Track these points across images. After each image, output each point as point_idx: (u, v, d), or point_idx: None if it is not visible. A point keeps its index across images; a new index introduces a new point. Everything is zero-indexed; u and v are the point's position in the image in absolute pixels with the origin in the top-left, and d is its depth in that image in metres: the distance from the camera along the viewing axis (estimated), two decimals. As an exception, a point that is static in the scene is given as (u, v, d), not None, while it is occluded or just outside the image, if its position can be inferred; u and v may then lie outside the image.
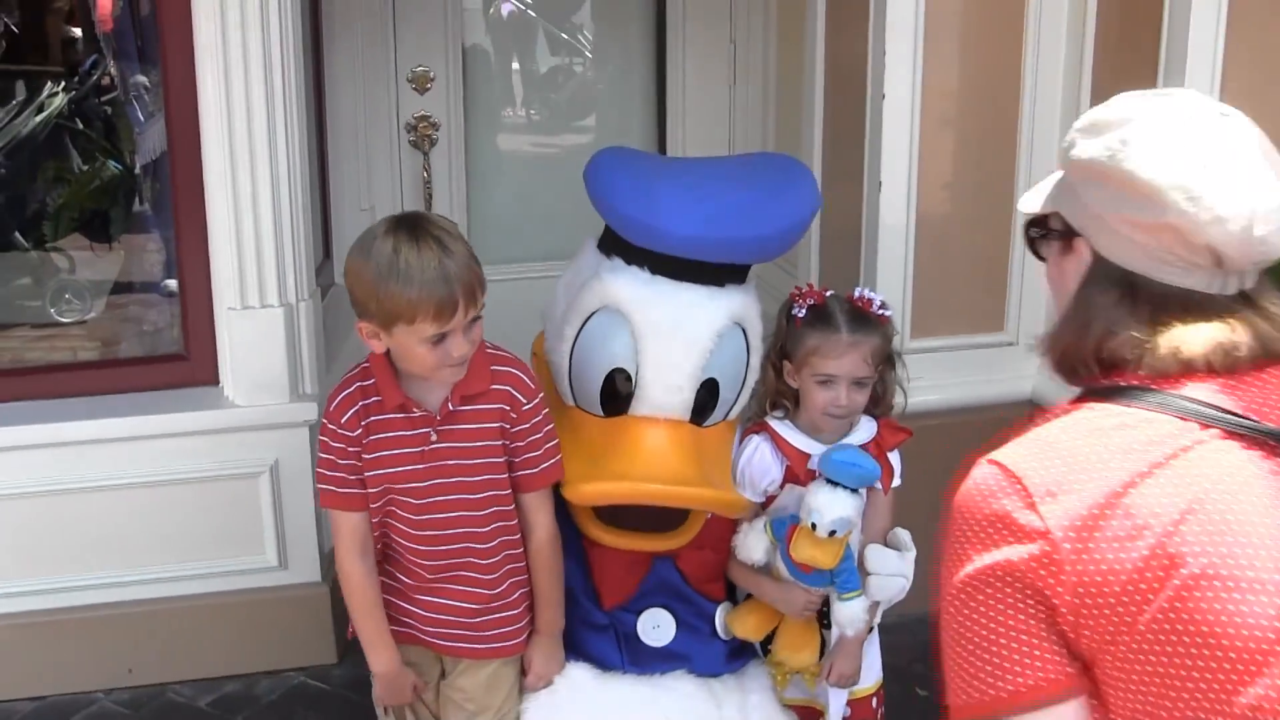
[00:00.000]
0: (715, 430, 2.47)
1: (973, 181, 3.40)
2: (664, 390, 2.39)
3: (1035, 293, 3.36)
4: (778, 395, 2.47)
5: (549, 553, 2.39)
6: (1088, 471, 1.13)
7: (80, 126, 3.91)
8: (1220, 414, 1.15)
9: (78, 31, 4.01)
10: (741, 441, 2.50)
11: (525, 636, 2.42)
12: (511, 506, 2.34)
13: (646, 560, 2.48)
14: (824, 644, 2.45)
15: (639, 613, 2.48)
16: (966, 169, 3.41)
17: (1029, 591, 1.13)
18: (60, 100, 3.87)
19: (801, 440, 2.44)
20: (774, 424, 2.47)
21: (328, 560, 3.09)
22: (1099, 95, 3.26)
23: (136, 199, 3.88)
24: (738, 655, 2.53)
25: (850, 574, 2.34)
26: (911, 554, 2.38)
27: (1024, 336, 3.41)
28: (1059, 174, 1.35)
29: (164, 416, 3.16)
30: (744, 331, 2.46)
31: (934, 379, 3.22)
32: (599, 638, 2.48)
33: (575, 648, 2.47)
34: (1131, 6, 3.24)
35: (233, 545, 3.23)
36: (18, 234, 3.88)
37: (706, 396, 2.43)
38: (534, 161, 4.68)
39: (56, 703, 3.19)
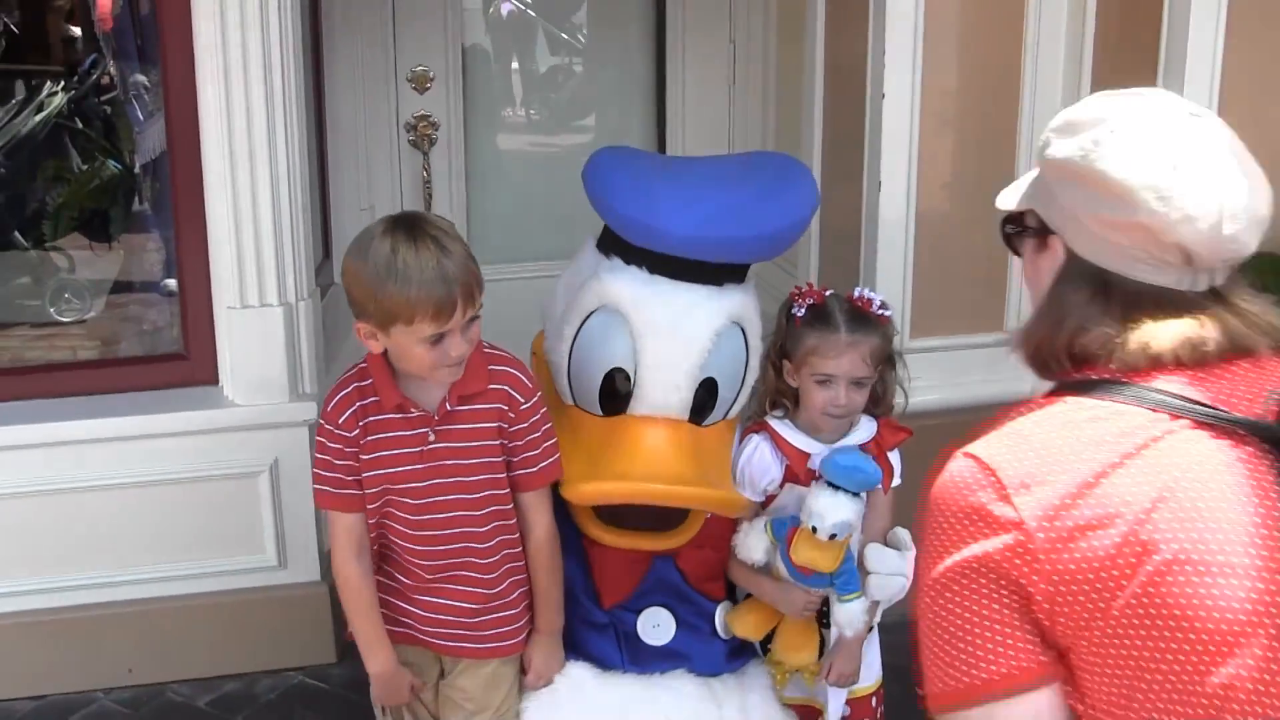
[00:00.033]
0: (714, 430, 2.47)
1: (972, 181, 3.40)
2: (663, 390, 2.39)
3: (1034, 293, 3.36)
4: (777, 394, 2.47)
5: (548, 552, 2.38)
6: (1060, 463, 1.16)
7: (80, 126, 3.91)
8: (1189, 405, 1.17)
9: (77, 31, 4.01)
10: (741, 441, 2.50)
11: (525, 636, 2.42)
12: (510, 506, 2.34)
13: (646, 559, 2.48)
14: (823, 643, 2.45)
15: (639, 612, 2.48)
16: (966, 168, 3.41)
17: (1003, 582, 1.15)
18: (60, 99, 3.87)
19: (801, 440, 2.44)
20: (774, 423, 2.47)
21: (327, 560, 3.08)
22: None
23: (136, 198, 3.88)
24: (738, 654, 2.53)
25: (850, 575, 2.34)
26: (911, 553, 2.38)
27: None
28: (1035, 171, 1.38)
29: (163, 416, 3.16)
30: (743, 331, 2.45)
31: (934, 379, 3.22)
32: (599, 637, 2.48)
33: (575, 647, 2.47)
34: (1131, 6, 3.24)
35: (232, 545, 3.23)
36: (17, 233, 3.88)
37: (705, 396, 2.43)
38: (534, 161, 4.69)
39: (56, 702, 3.19)
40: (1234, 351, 1.22)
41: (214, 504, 3.19)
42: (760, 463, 2.45)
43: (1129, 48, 3.23)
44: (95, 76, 3.93)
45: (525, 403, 2.29)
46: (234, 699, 3.21)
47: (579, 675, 2.46)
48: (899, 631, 2.65)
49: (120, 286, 3.85)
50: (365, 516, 2.29)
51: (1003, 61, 3.36)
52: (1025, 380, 1.37)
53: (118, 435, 3.12)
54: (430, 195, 4.32)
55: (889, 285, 3.27)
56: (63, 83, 3.89)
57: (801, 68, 3.78)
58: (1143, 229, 1.21)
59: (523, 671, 2.45)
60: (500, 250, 4.28)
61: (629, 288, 2.39)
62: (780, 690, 2.51)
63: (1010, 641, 1.15)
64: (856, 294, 2.45)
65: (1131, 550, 1.10)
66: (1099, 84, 3.27)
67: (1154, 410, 1.17)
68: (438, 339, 2.10)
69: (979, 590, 1.16)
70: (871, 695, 2.54)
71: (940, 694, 1.18)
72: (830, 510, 2.26)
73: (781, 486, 2.44)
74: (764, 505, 2.47)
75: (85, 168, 3.92)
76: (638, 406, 2.41)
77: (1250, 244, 1.24)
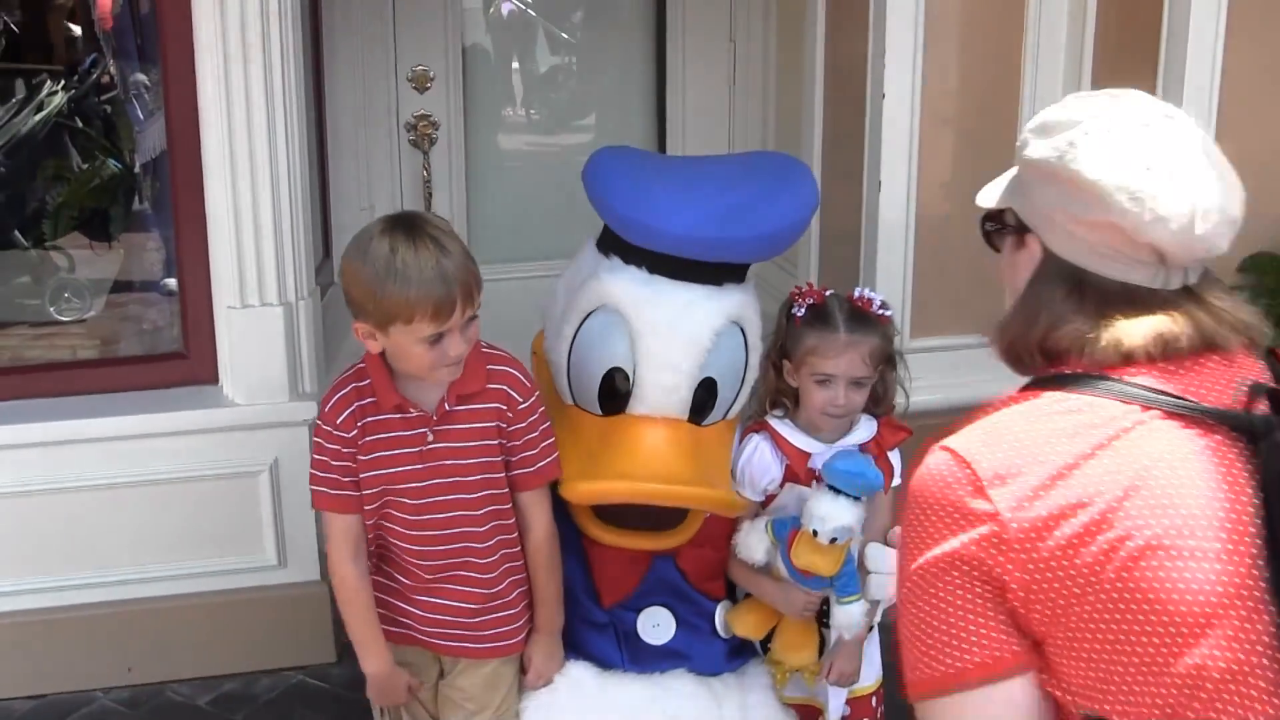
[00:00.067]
0: (714, 429, 2.47)
1: (972, 181, 3.35)
2: (662, 389, 2.39)
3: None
4: (778, 394, 2.48)
5: (547, 551, 2.38)
6: (1034, 455, 1.18)
7: (80, 125, 3.91)
8: (1159, 396, 1.20)
9: (77, 30, 4.01)
10: (741, 440, 2.50)
11: (524, 636, 2.42)
12: (509, 505, 2.34)
13: (646, 559, 2.48)
14: (823, 642, 2.45)
15: (639, 611, 2.48)
16: (966, 169, 3.41)
17: (978, 574, 1.18)
18: (60, 99, 3.87)
19: (801, 439, 2.44)
20: (774, 423, 2.47)
21: (326, 560, 3.09)
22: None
23: (136, 197, 3.88)
24: (738, 654, 2.53)
25: (850, 578, 2.34)
26: (911, 553, 2.37)
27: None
28: (1014, 170, 1.41)
29: (163, 415, 3.15)
30: (743, 331, 2.45)
31: (934, 379, 3.21)
32: (599, 636, 2.48)
33: (575, 646, 2.47)
34: (1131, 6, 3.24)
35: (232, 544, 3.23)
36: (17, 232, 3.89)
37: (705, 396, 2.43)
38: (534, 161, 4.69)
39: (56, 701, 3.18)
40: (1205, 347, 1.24)
41: (214, 503, 3.19)
42: (760, 462, 2.45)
43: (1129, 48, 3.23)
44: (95, 75, 3.93)
45: (523, 402, 2.29)
46: (233, 698, 3.21)
47: (579, 675, 2.46)
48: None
49: (120, 286, 3.85)
50: (362, 517, 2.28)
51: (1003, 62, 3.36)
52: (1025, 380, 1.38)
53: (117, 434, 3.12)
54: (430, 195, 4.32)
55: (889, 285, 3.27)
56: (63, 82, 3.89)
57: (801, 68, 3.78)
58: (1116, 228, 1.24)
59: (522, 671, 2.45)
60: (500, 250, 4.28)
61: (628, 287, 2.39)
62: (780, 690, 2.51)
63: (984, 632, 1.17)
64: (857, 294, 2.45)
65: (1105, 537, 1.13)
66: (1099, 84, 3.27)
67: (1125, 402, 1.20)
68: (437, 339, 2.10)
69: (954, 582, 1.19)
70: (872, 695, 2.54)
71: (917, 682, 1.21)
72: (832, 514, 2.26)
73: (782, 486, 2.44)
74: (764, 505, 2.47)
75: (85, 167, 3.92)
76: (637, 406, 2.41)
77: (1222, 244, 1.26)
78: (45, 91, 3.87)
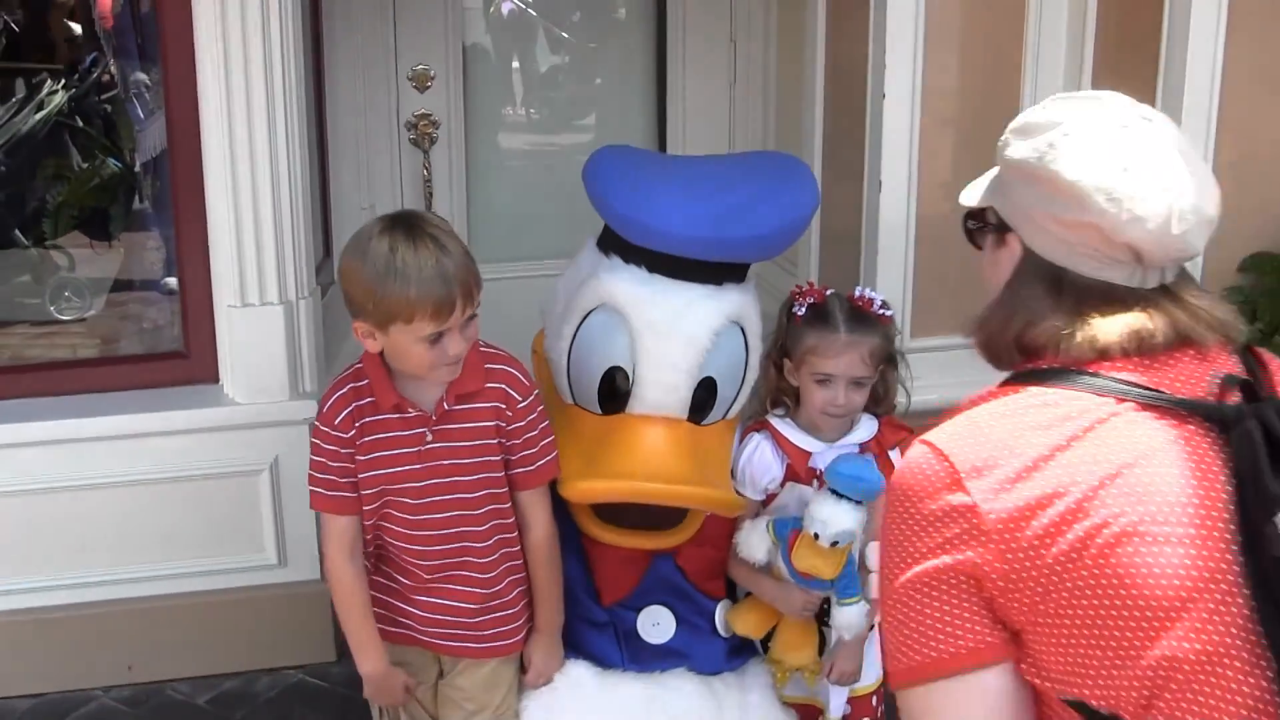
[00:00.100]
0: (714, 429, 2.47)
1: (973, 181, 3.39)
2: (661, 389, 2.39)
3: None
4: (778, 393, 2.48)
5: (547, 550, 2.38)
6: (1010, 447, 1.21)
7: (80, 124, 3.92)
8: (1134, 388, 1.23)
9: (78, 29, 4.01)
10: (742, 440, 2.50)
11: (523, 635, 2.42)
12: (508, 505, 2.34)
13: (646, 558, 2.48)
14: (823, 641, 2.45)
15: (639, 610, 2.48)
16: (966, 169, 3.37)
17: (957, 565, 1.20)
18: (60, 98, 3.87)
19: (802, 438, 2.44)
20: (775, 422, 2.47)
21: (323, 560, 3.09)
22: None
23: (136, 197, 3.89)
24: (738, 653, 2.53)
25: (850, 580, 2.34)
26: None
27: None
28: (995, 170, 1.43)
29: (163, 414, 3.16)
30: (743, 330, 2.45)
31: (934, 378, 3.21)
32: (599, 635, 2.48)
33: (575, 645, 2.47)
34: (1132, 6, 3.24)
35: (232, 543, 3.23)
36: (17, 231, 3.89)
37: (705, 395, 2.43)
38: (534, 160, 4.68)
39: (55, 699, 3.18)
40: (1181, 343, 1.27)
41: (214, 502, 3.19)
42: (761, 461, 2.45)
43: (1129, 48, 3.23)
44: (96, 75, 3.93)
45: (522, 401, 2.29)
46: (233, 697, 3.21)
47: (579, 674, 2.46)
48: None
49: (120, 285, 3.86)
50: (359, 519, 2.28)
51: (1004, 62, 3.36)
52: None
53: (117, 433, 3.12)
54: (430, 194, 4.31)
55: (889, 285, 3.27)
56: (63, 81, 3.90)
57: (802, 68, 3.78)
58: (1094, 228, 1.27)
59: (522, 670, 2.45)
60: (500, 249, 4.28)
61: (628, 287, 2.39)
62: (780, 689, 2.51)
63: (959, 623, 1.20)
64: (857, 294, 2.45)
65: (1081, 525, 1.15)
66: (1100, 84, 3.27)
67: (1100, 395, 1.23)
68: (437, 338, 2.10)
69: (932, 574, 1.21)
70: (872, 694, 2.54)
71: (896, 671, 1.24)
72: (833, 518, 2.26)
73: (782, 485, 2.44)
74: (765, 504, 2.47)
75: (85, 166, 3.92)
76: (636, 405, 2.41)
77: (1198, 244, 1.29)
78: (46, 90, 3.87)
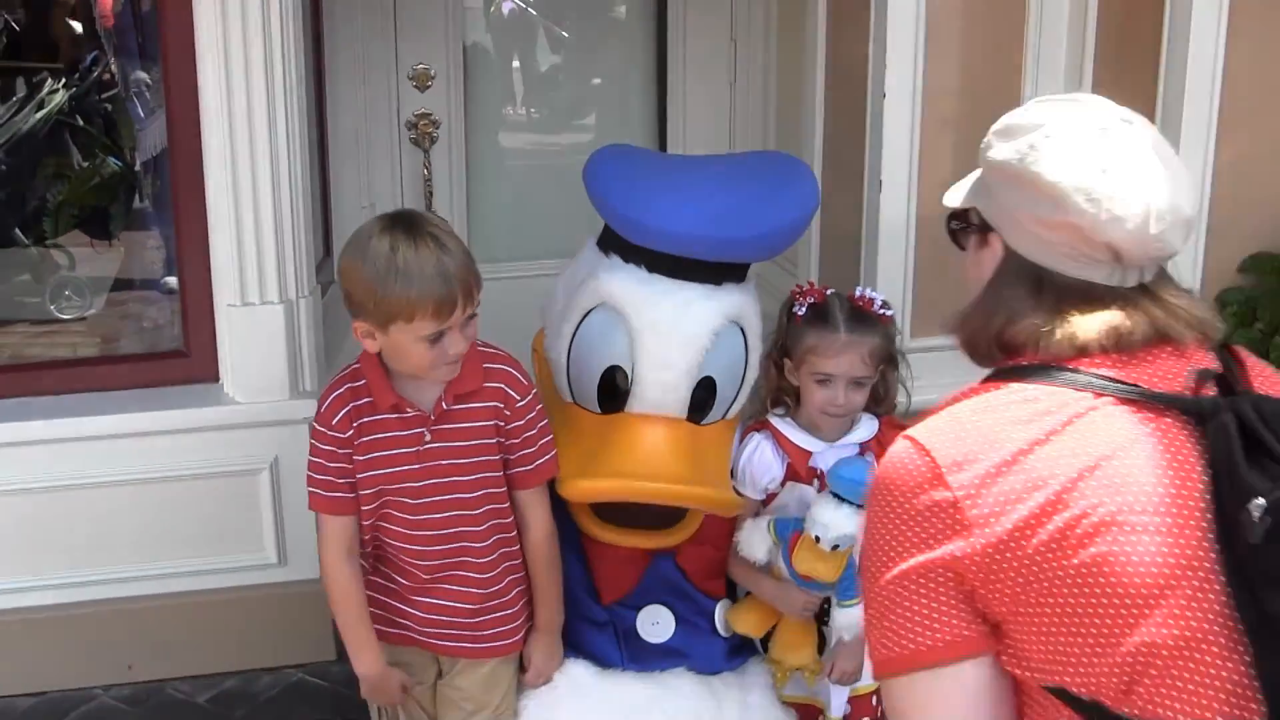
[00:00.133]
0: (713, 429, 2.47)
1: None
2: (660, 388, 2.39)
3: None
4: (779, 392, 2.48)
5: (546, 549, 2.38)
6: (990, 442, 1.24)
7: (81, 123, 3.91)
8: (1112, 383, 1.26)
9: (79, 28, 4.01)
10: (743, 439, 2.50)
11: (523, 635, 2.42)
12: (507, 505, 2.34)
13: (646, 557, 2.48)
14: (822, 641, 2.45)
15: (638, 609, 2.48)
16: (967, 169, 3.39)
17: (938, 559, 1.23)
18: (61, 96, 3.87)
19: (802, 438, 2.44)
20: (775, 421, 2.47)
21: (320, 560, 3.09)
22: (1100, 95, 3.27)
23: (137, 195, 3.88)
24: (737, 653, 2.53)
25: (851, 582, 2.34)
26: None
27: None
28: (978, 172, 1.46)
29: (164, 413, 3.15)
30: (742, 330, 2.46)
31: (935, 378, 3.21)
32: (598, 634, 2.48)
33: (574, 644, 2.47)
34: (1133, 6, 3.24)
35: (232, 542, 3.23)
36: (18, 230, 3.89)
37: (704, 395, 2.43)
38: (534, 159, 4.68)
39: (56, 698, 3.18)
40: (1159, 339, 1.30)
41: (214, 501, 3.19)
42: (762, 461, 2.45)
43: (1130, 48, 3.23)
44: (96, 74, 3.93)
45: (521, 400, 2.29)
46: (233, 696, 3.21)
47: (578, 673, 2.46)
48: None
49: (121, 284, 3.85)
50: (357, 519, 2.28)
51: (1004, 62, 3.36)
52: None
53: (118, 432, 3.12)
54: (431, 193, 4.31)
55: (890, 285, 3.27)
56: (64, 80, 3.89)
57: (802, 67, 3.78)
58: (1074, 228, 1.29)
59: (522, 670, 2.45)
60: (500, 249, 4.28)
61: (627, 286, 2.39)
62: (780, 689, 2.51)
63: (938, 617, 1.22)
64: (858, 293, 2.45)
65: (1061, 516, 1.17)
66: (1100, 84, 3.27)
67: (1079, 390, 1.25)
68: (437, 337, 2.11)
69: (915, 571, 1.24)
70: (873, 693, 2.53)
71: (878, 662, 1.27)
72: (835, 522, 2.26)
73: (783, 485, 2.45)
74: (765, 503, 2.47)
75: (86, 165, 3.92)
76: (636, 405, 2.41)
77: (1176, 243, 1.31)
78: (46, 89, 3.87)
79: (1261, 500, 1.11)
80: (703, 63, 4.45)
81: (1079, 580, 1.16)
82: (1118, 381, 1.25)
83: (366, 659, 2.33)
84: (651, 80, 4.58)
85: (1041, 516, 1.18)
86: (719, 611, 2.51)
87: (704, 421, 2.46)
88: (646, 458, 2.37)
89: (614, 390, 2.43)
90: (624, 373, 2.41)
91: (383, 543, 2.33)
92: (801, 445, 2.43)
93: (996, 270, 1.38)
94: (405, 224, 2.12)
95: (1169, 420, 1.23)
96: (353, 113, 4.20)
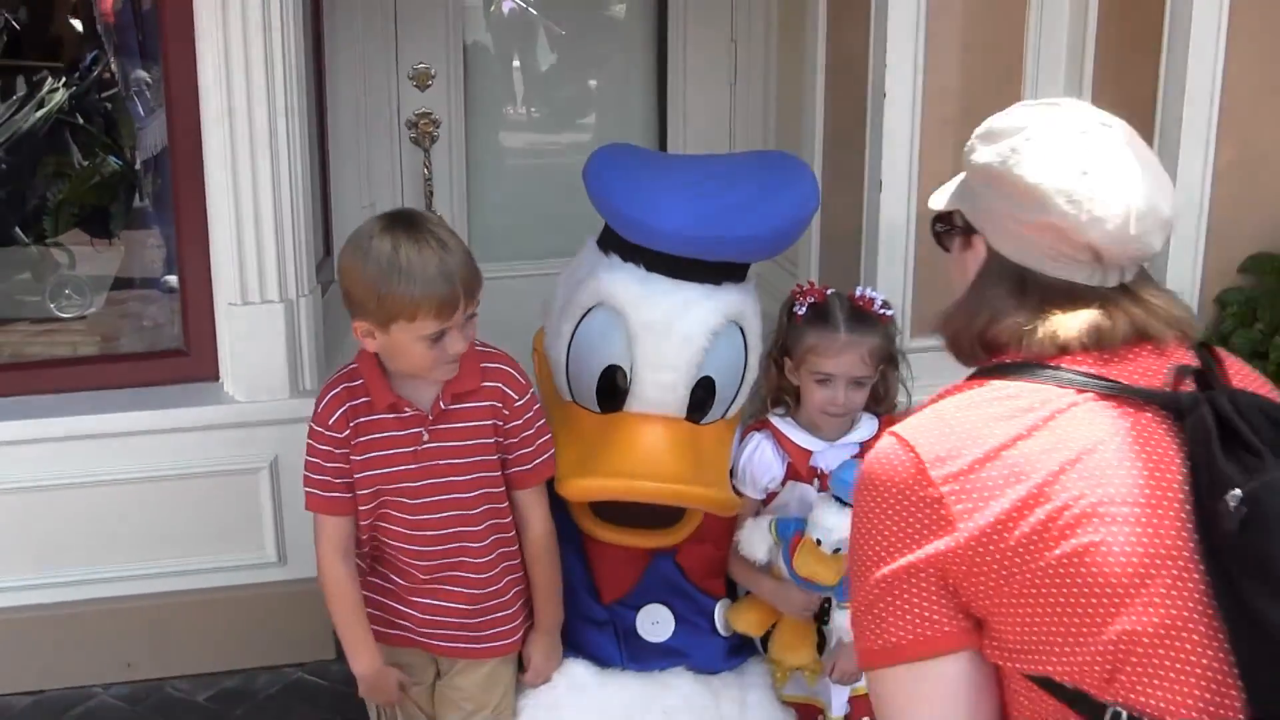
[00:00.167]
0: (713, 428, 2.47)
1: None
2: (658, 388, 2.39)
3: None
4: (779, 392, 2.48)
5: (545, 549, 2.38)
6: (974, 437, 1.26)
7: (81, 122, 3.91)
8: (1093, 380, 1.28)
9: (79, 26, 4.00)
10: (743, 439, 2.50)
11: (522, 635, 2.42)
12: (505, 505, 2.34)
13: (645, 556, 2.48)
14: (822, 640, 2.45)
15: (638, 608, 2.48)
16: (967, 169, 3.40)
17: (921, 554, 1.25)
18: (61, 95, 3.87)
19: (803, 437, 2.44)
20: (775, 421, 2.47)
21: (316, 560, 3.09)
22: (1100, 95, 3.27)
23: (137, 194, 3.88)
24: (737, 652, 2.53)
25: (851, 583, 2.34)
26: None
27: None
28: (963, 174, 1.48)
29: (164, 412, 3.16)
30: (742, 330, 2.46)
31: (934, 378, 3.20)
32: (598, 633, 2.48)
33: (574, 644, 2.48)
34: (1133, 6, 3.24)
35: (232, 541, 3.23)
36: (18, 229, 3.88)
37: (704, 394, 2.43)
38: (535, 158, 4.68)
39: (55, 697, 3.19)
40: (1139, 338, 1.32)
41: (214, 500, 3.19)
42: (762, 461, 2.45)
43: (1130, 48, 3.23)
44: (97, 72, 3.93)
45: (519, 399, 2.29)
46: (233, 695, 3.21)
47: (578, 673, 2.46)
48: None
49: (121, 282, 3.85)
50: (354, 519, 2.28)
51: (1004, 61, 3.36)
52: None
53: (118, 431, 3.12)
54: (431, 192, 4.31)
55: (890, 285, 3.27)
56: (64, 78, 3.89)
57: (803, 67, 3.78)
58: (1055, 229, 1.32)
59: (521, 669, 2.45)
60: (500, 248, 4.28)
61: (626, 286, 2.39)
62: (780, 688, 2.51)
63: (919, 613, 1.25)
64: (858, 293, 2.45)
65: (1043, 508, 1.20)
66: (1100, 84, 3.27)
67: (1060, 387, 1.28)
68: (438, 336, 2.10)
69: (901, 572, 1.26)
70: (871, 693, 2.54)
71: (863, 654, 1.30)
72: (837, 526, 2.26)
73: (783, 484, 2.45)
74: (765, 503, 2.47)
75: (86, 164, 3.91)
76: (635, 404, 2.41)
77: (1155, 243, 1.34)
78: (46, 88, 3.87)
79: (1238, 491, 1.14)
80: (703, 62, 4.45)
81: (1061, 571, 1.18)
82: (1099, 378, 1.28)
83: (363, 658, 2.33)
84: (652, 80, 4.58)
85: (1023, 509, 1.20)
86: (719, 611, 2.51)
87: (703, 421, 2.46)
88: (645, 457, 2.37)
89: (613, 390, 2.43)
90: (623, 372, 2.41)
91: (380, 543, 2.33)
92: (802, 444, 2.43)
93: (980, 271, 1.41)
94: (406, 223, 2.12)
95: (1149, 415, 1.25)
96: (353, 112, 4.20)
